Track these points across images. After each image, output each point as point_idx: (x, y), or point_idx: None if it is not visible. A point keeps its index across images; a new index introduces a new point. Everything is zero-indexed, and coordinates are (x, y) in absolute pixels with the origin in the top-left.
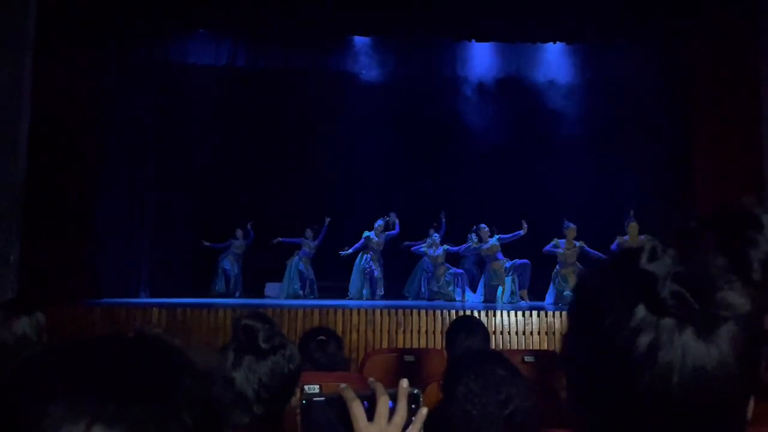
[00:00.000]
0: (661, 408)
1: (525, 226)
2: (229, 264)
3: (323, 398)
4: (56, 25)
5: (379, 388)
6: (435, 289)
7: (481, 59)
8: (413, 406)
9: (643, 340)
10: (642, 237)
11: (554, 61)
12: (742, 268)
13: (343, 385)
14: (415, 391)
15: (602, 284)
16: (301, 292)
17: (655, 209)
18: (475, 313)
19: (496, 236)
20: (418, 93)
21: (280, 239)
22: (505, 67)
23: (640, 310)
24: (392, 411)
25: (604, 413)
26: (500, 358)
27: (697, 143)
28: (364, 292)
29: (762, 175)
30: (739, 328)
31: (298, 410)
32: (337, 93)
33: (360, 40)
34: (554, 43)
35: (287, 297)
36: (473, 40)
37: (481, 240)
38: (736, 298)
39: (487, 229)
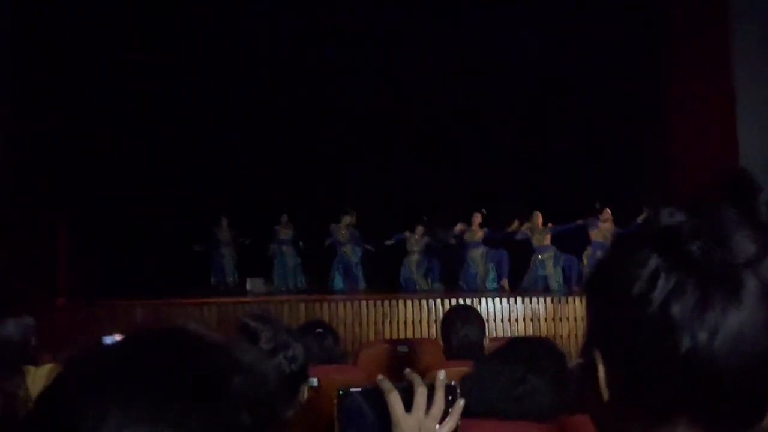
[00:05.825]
0: (706, 374)
1: (515, 225)
2: (221, 256)
3: (359, 390)
4: None
5: (417, 380)
6: (414, 277)
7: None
8: (450, 397)
9: (678, 303)
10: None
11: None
12: (751, 215)
13: (380, 377)
14: (452, 383)
15: (622, 254)
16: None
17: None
18: (460, 301)
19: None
20: (403, 79)
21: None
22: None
23: (665, 269)
24: (429, 402)
25: (646, 389)
26: (550, 358)
27: (673, 128)
28: (337, 282)
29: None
30: (758, 278)
31: (335, 401)
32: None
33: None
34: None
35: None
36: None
37: (471, 225)
38: (748, 243)
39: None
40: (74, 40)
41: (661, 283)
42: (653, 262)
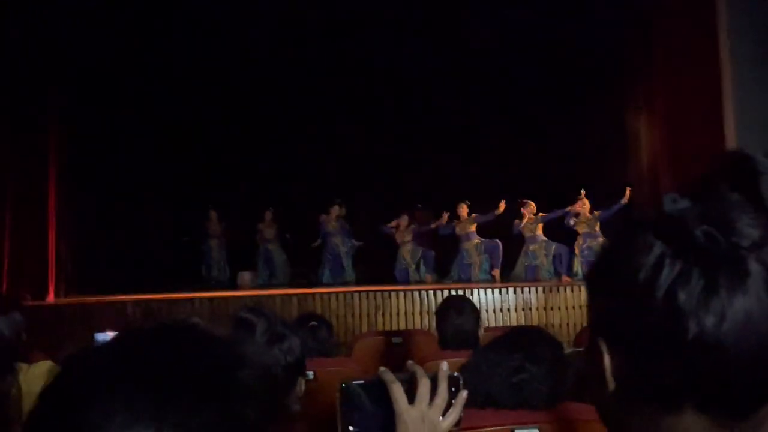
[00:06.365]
0: (713, 361)
1: (502, 206)
2: (210, 249)
3: (361, 382)
4: None
5: (419, 371)
6: (409, 267)
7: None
8: (453, 389)
9: (684, 290)
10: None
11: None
12: (754, 199)
13: (382, 368)
14: (455, 374)
15: (626, 242)
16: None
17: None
18: (452, 292)
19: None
20: (389, 68)
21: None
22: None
23: (670, 256)
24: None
25: (653, 378)
26: (548, 347)
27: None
28: (327, 274)
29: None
30: (763, 263)
31: (337, 394)
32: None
33: None
34: None
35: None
36: None
37: (459, 217)
38: (752, 228)
39: (465, 207)
40: (74, 40)
41: (666, 269)
42: (657, 248)
